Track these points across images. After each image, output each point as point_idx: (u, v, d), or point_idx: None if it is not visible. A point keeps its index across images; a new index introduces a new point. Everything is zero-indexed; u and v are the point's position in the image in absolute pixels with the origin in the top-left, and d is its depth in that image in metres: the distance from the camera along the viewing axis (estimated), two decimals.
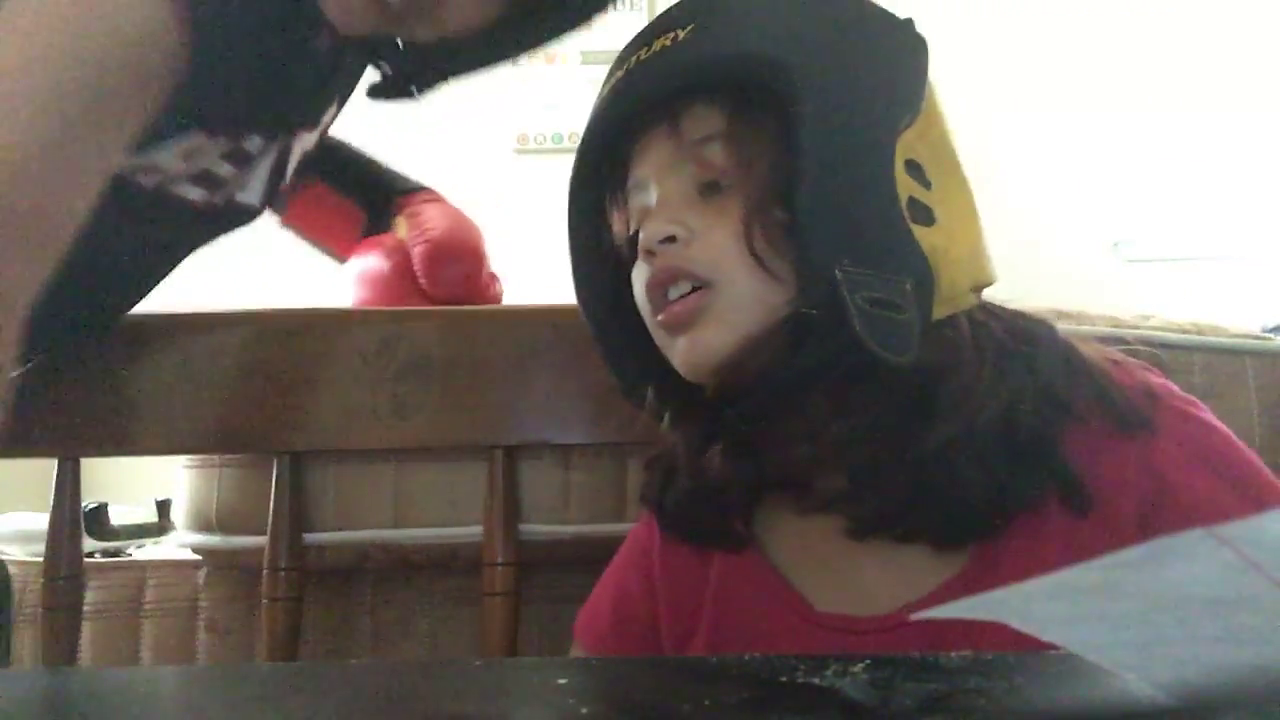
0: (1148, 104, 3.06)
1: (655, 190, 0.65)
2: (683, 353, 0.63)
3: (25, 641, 0.97)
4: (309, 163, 0.91)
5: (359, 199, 1.10)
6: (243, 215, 0.84)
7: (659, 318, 0.64)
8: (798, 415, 0.61)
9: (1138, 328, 1.07)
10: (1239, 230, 2.99)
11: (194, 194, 0.77)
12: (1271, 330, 1.31)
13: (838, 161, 0.59)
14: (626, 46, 0.68)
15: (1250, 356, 1.09)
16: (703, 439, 0.66)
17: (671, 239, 0.62)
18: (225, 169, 0.77)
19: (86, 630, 0.92)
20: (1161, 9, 3.06)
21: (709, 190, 0.63)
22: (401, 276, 1.03)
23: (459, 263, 1.04)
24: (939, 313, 0.60)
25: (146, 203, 0.74)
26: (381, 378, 0.87)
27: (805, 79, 0.60)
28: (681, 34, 0.63)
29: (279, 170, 0.83)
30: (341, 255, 1.12)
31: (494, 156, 3.05)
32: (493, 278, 1.12)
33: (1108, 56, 3.05)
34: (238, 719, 0.33)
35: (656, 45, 0.64)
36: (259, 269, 2.90)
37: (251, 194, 0.82)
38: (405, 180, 1.14)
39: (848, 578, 0.64)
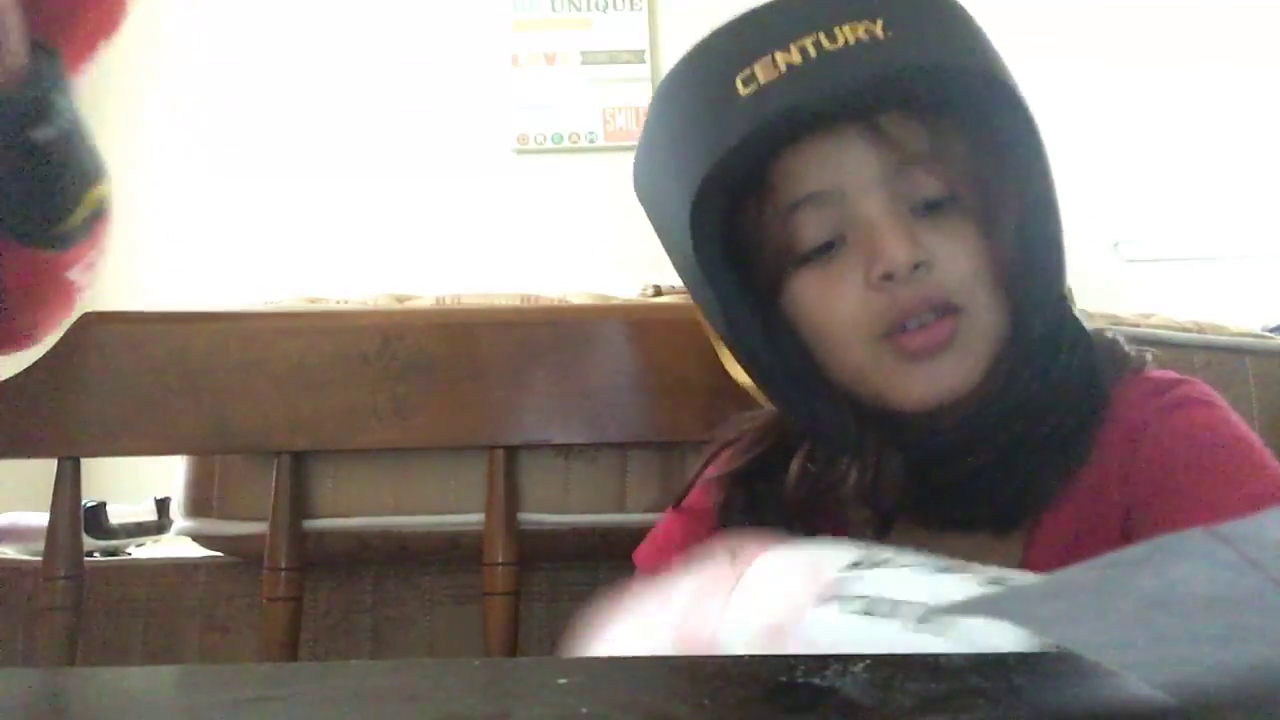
0: (1148, 104, 3.06)
1: (866, 205, 0.59)
2: (925, 382, 0.59)
3: (25, 641, 0.97)
4: None
5: None
6: None
7: (905, 343, 0.59)
8: (985, 433, 0.60)
9: (1138, 327, 1.07)
10: (1239, 230, 2.99)
11: None
12: (1272, 330, 1.31)
13: (1048, 184, 0.59)
14: (766, 14, 0.58)
15: (1250, 355, 1.09)
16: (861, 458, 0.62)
17: (916, 265, 0.57)
18: None
19: (87, 630, 0.92)
20: (1161, 9, 3.06)
21: (929, 209, 0.59)
22: None
23: None
24: None
25: None
26: (381, 378, 0.87)
27: (1016, 96, 0.58)
28: (878, 29, 0.55)
29: None
30: None
31: (494, 156, 3.05)
32: None
33: (1108, 57, 3.05)
34: (238, 719, 0.33)
35: (842, 36, 0.55)
36: (260, 268, 2.90)
37: None
38: None
39: None
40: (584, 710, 0.31)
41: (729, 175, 0.58)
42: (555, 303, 1.07)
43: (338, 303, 1.06)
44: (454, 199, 3.01)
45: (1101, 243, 3.01)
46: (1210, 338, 1.09)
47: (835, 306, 0.60)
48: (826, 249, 0.60)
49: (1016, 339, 0.60)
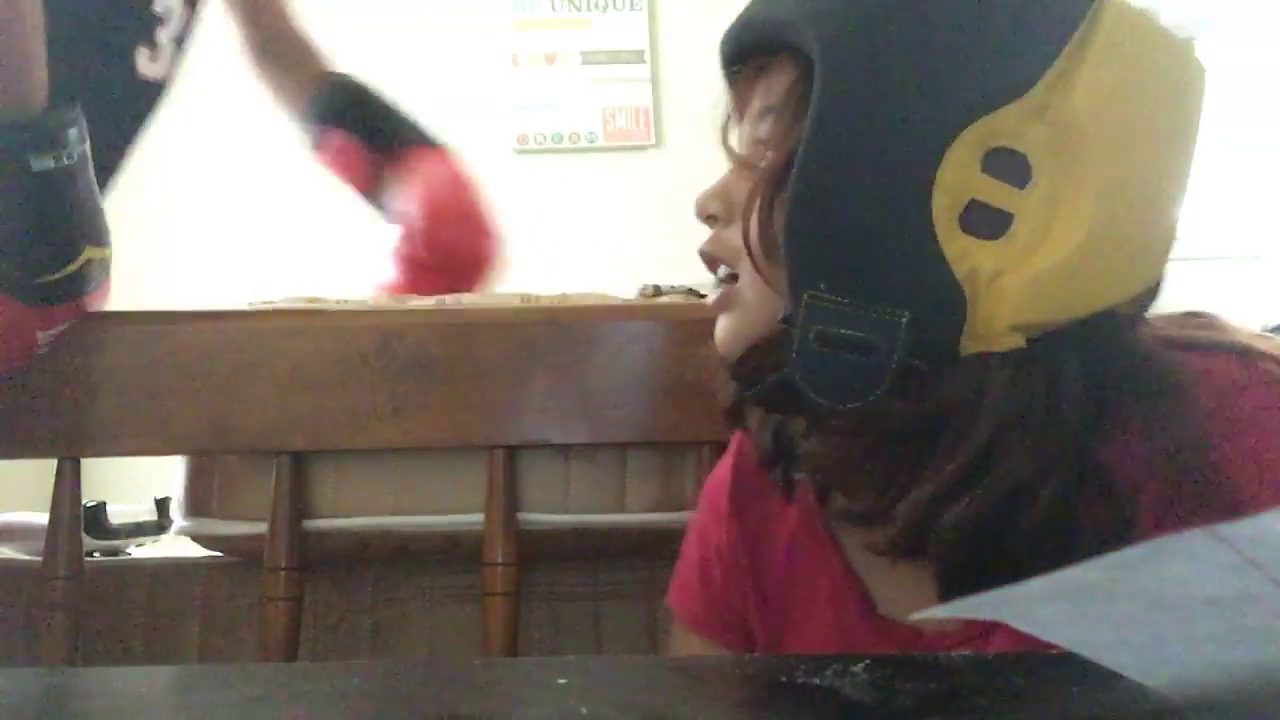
0: None
1: (730, 143, 0.59)
2: (715, 333, 0.59)
3: (25, 641, 0.97)
4: (331, 110, 1.12)
5: (371, 145, 1.18)
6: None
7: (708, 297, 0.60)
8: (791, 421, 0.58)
9: None
10: (1239, 230, 2.99)
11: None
12: (1272, 330, 1.31)
13: (844, 159, 0.50)
14: None
15: None
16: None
17: (713, 218, 0.58)
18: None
19: (87, 630, 0.92)
20: (1162, 9, 3.06)
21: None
22: (410, 259, 1.10)
23: (452, 240, 1.10)
24: (968, 348, 0.50)
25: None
26: (381, 378, 0.87)
27: (824, 46, 0.50)
28: None
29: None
30: (363, 194, 1.22)
31: (494, 156, 3.05)
32: (484, 238, 1.16)
33: None
34: (237, 719, 0.33)
35: None
36: (260, 268, 2.90)
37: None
38: (413, 131, 1.22)
39: (911, 580, 0.58)
40: (584, 710, 0.31)
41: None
42: (555, 303, 1.07)
43: (338, 303, 1.06)
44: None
45: None
46: None
47: None
48: None
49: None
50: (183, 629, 0.98)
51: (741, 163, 0.58)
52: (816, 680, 0.33)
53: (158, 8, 0.95)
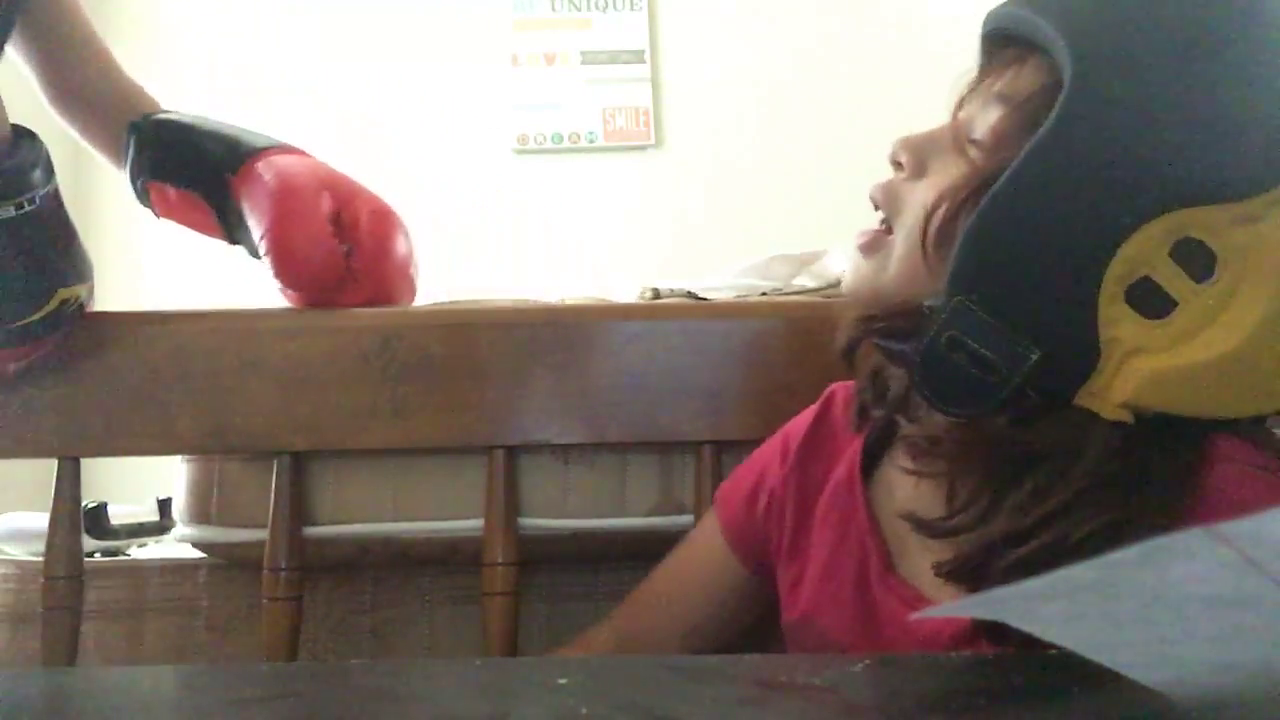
0: None
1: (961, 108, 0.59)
2: (849, 272, 0.62)
3: (25, 641, 0.97)
4: (148, 164, 0.90)
5: (194, 189, 0.94)
6: None
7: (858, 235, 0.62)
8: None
9: None
10: None
11: None
12: None
13: (1047, 198, 0.51)
14: None
15: None
16: None
17: (899, 165, 0.60)
18: None
19: (86, 630, 0.92)
20: None
21: (965, 145, 0.58)
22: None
23: (300, 274, 0.88)
24: (1082, 400, 0.52)
25: None
26: (381, 378, 0.87)
27: (1074, 83, 0.50)
28: None
29: None
30: (225, 241, 0.99)
31: (494, 156, 3.04)
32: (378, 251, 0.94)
33: None
34: (238, 719, 0.33)
35: None
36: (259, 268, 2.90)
37: None
38: (229, 152, 0.93)
39: (931, 548, 0.60)
40: (584, 710, 0.31)
41: None
42: (555, 303, 1.06)
43: None
44: (454, 199, 3.01)
45: None
46: None
47: None
48: None
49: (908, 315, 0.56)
50: (183, 629, 0.98)
51: (958, 144, 0.58)
52: (816, 680, 0.33)
53: None
